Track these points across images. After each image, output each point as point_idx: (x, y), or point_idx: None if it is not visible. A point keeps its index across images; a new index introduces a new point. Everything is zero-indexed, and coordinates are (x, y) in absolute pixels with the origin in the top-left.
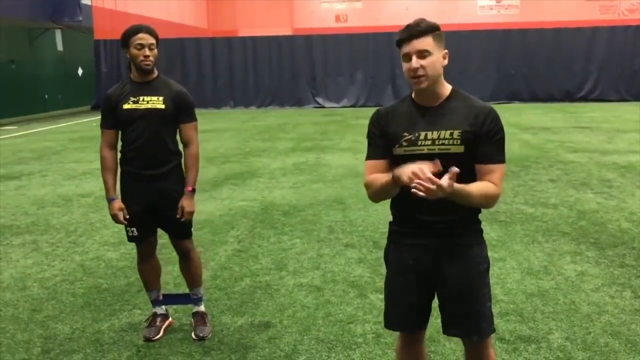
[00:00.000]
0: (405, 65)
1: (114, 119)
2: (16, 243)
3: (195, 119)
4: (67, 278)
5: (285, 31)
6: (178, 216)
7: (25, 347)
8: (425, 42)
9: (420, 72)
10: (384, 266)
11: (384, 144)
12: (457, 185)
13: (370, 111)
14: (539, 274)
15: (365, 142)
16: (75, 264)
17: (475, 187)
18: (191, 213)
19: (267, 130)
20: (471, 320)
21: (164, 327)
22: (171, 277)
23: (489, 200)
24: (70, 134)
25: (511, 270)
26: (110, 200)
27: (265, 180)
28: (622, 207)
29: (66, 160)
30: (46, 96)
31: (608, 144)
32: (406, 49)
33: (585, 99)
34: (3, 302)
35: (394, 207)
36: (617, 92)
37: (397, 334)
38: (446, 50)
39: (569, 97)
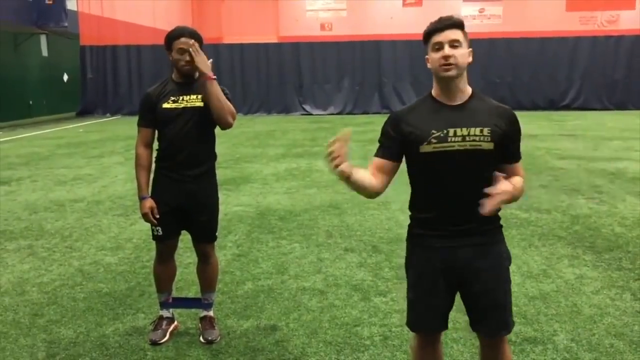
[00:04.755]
0: (435, 55)
1: (152, 118)
2: (11, 248)
3: (231, 100)
4: (66, 283)
5: (271, 39)
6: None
7: (30, 351)
8: (458, 34)
9: (452, 60)
10: (385, 270)
11: (399, 145)
12: (512, 187)
13: (357, 119)
14: (539, 277)
15: (355, 148)
16: (74, 268)
17: (518, 183)
18: (201, 59)
19: (256, 136)
20: (500, 315)
21: (169, 330)
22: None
23: (524, 191)
24: (56, 139)
25: (511, 273)
26: (142, 198)
27: (258, 186)
28: (613, 212)
29: (55, 165)
30: (31, 102)
31: (594, 151)
32: (438, 38)
33: (568, 107)
34: (2, 307)
35: (417, 210)
36: (599, 101)
37: (404, 336)
38: (471, 49)
39: (552, 105)
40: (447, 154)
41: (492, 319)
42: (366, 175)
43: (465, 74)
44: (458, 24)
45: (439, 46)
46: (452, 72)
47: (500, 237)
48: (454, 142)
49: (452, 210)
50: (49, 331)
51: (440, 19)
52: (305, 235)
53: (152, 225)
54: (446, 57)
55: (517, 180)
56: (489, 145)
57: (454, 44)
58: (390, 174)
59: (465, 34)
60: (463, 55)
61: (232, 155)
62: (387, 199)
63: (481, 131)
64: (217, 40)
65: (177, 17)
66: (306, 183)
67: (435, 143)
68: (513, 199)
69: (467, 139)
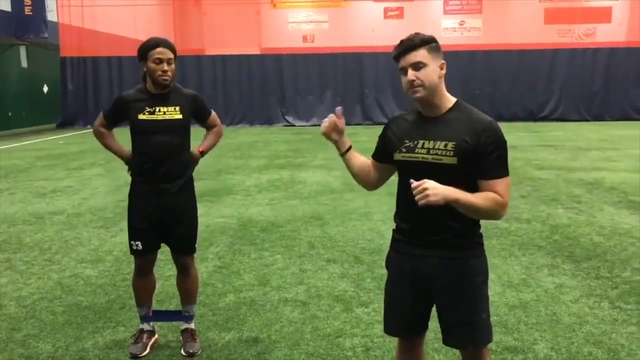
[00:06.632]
0: (403, 80)
1: (116, 118)
2: None
3: (211, 110)
4: (45, 296)
5: (253, 50)
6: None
7: None
8: (419, 55)
9: (417, 83)
10: (367, 280)
11: (383, 149)
12: (459, 194)
13: None
14: (519, 286)
15: (338, 159)
16: (53, 282)
17: (480, 196)
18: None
19: (238, 148)
20: (466, 330)
21: (150, 343)
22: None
23: (496, 209)
24: (36, 151)
25: (491, 283)
26: (128, 160)
27: (240, 197)
28: (592, 222)
29: (34, 178)
30: (10, 113)
31: (573, 161)
32: (402, 63)
33: (547, 118)
34: None
35: (397, 217)
36: (577, 112)
37: (386, 347)
38: (443, 61)
39: (532, 116)
40: (412, 163)
41: (457, 333)
42: (362, 161)
43: (440, 88)
44: (419, 44)
45: (404, 71)
46: (421, 94)
47: (475, 252)
48: (419, 153)
49: (421, 220)
50: (26, 346)
51: (402, 42)
52: (287, 247)
53: (130, 241)
54: (410, 82)
55: (483, 194)
56: (451, 160)
57: (417, 66)
58: (381, 173)
59: (432, 49)
60: (428, 74)
61: (214, 167)
62: (369, 209)
63: (445, 145)
64: (200, 51)
65: (159, 28)
66: (288, 194)
67: (404, 152)
68: (465, 206)
69: (431, 152)
